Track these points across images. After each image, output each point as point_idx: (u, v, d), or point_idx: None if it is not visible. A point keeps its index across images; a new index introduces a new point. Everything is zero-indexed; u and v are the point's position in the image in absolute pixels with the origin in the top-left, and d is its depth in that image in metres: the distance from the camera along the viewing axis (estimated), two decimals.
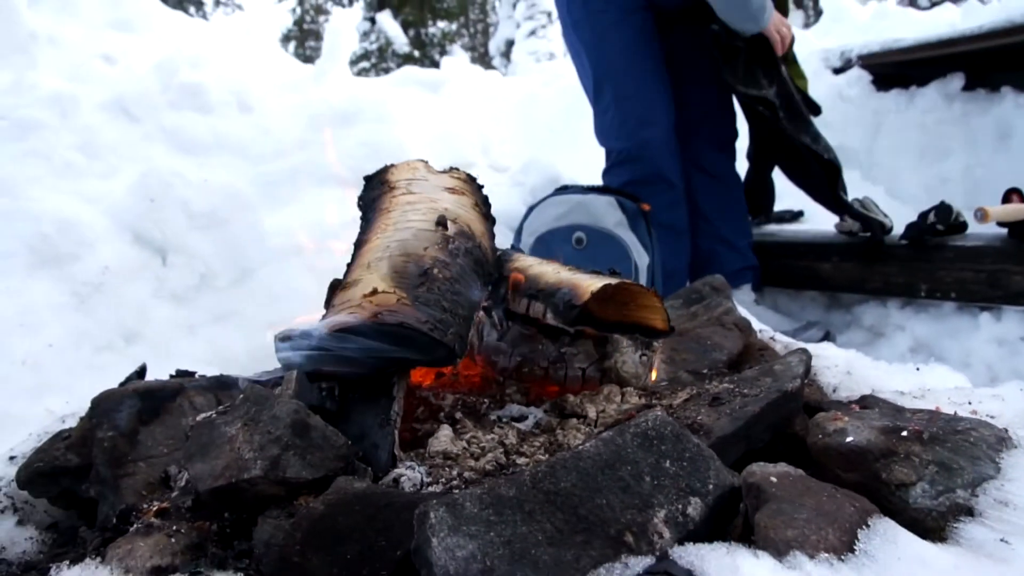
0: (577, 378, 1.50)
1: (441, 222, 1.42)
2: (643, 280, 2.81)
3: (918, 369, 1.95)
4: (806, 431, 1.29)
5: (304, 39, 15.24)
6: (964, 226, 3.06)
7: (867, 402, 1.50)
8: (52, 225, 3.04)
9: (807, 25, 10.22)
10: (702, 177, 3.38)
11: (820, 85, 4.51)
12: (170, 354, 3.14)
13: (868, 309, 3.29)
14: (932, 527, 1.07)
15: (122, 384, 1.65)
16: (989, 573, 0.94)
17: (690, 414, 1.27)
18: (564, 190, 3.06)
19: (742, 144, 3.61)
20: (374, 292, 1.25)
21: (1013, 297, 2.86)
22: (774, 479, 1.03)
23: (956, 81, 4.45)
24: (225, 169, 4.12)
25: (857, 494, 1.07)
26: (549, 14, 12.08)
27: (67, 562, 1.08)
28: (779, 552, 0.92)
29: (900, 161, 4.56)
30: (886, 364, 1.86)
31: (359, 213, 1.73)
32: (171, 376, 1.82)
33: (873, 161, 4.75)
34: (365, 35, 12.45)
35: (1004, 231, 2.91)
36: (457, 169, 1.84)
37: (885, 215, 3.25)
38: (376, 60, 12.45)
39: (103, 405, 1.45)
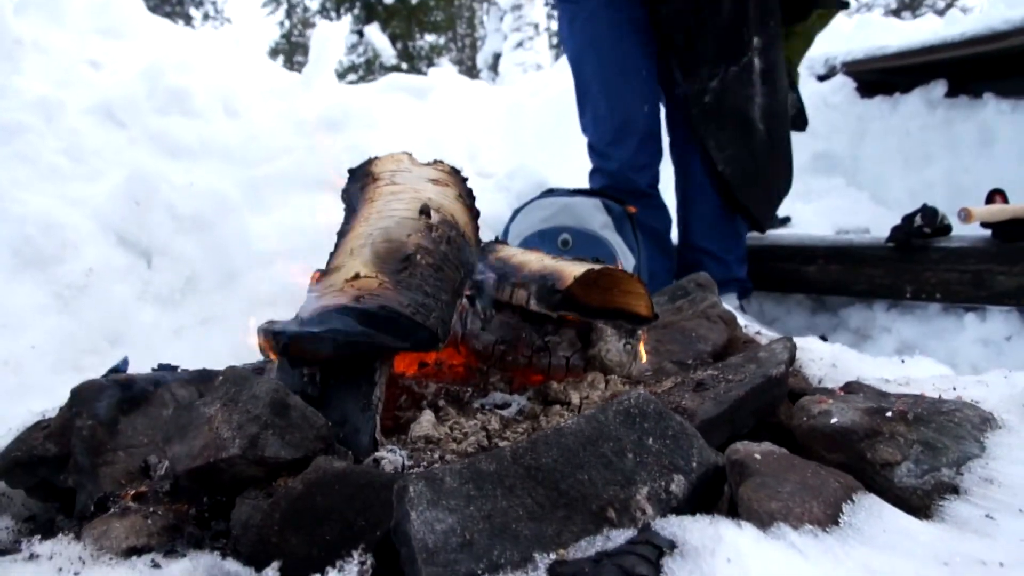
0: (561, 367, 1.48)
1: (424, 211, 1.41)
2: None
3: (903, 361, 1.96)
4: (791, 419, 1.29)
5: (292, 53, 15.25)
6: (949, 228, 3.07)
7: (852, 387, 1.50)
8: (36, 227, 3.02)
9: None
10: (691, 184, 3.29)
11: (805, 92, 4.53)
12: (155, 357, 3.11)
13: (854, 312, 3.30)
14: (918, 505, 1.07)
15: (104, 376, 1.63)
16: (975, 547, 0.93)
17: (674, 399, 1.26)
18: (550, 193, 3.06)
19: None
20: (356, 277, 1.24)
21: (997, 297, 2.87)
22: (758, 456, 1.03)
23: (939, 88, 4.49)
24: (211, 173, 4.10)
25: (842, 472, 1.06)
26: (536, 26, 12.14)
27: (38, 537, 1.06)
28: (763, 523, 0.91)
29: (885, 167, 4.60)
30: (871, 357, 1.86)
31: (345, 217, 1.73)
32: (153, 370, 1.81)
33: (858, 167, 4.78)
34: (353, 48, 12.46)
35: (988, 232, 2.93)
36: (441, 162, 1.84)
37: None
38: (364, 72, 12.46)
39: (83, 394, 1.43)
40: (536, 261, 1.50)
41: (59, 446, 1.41)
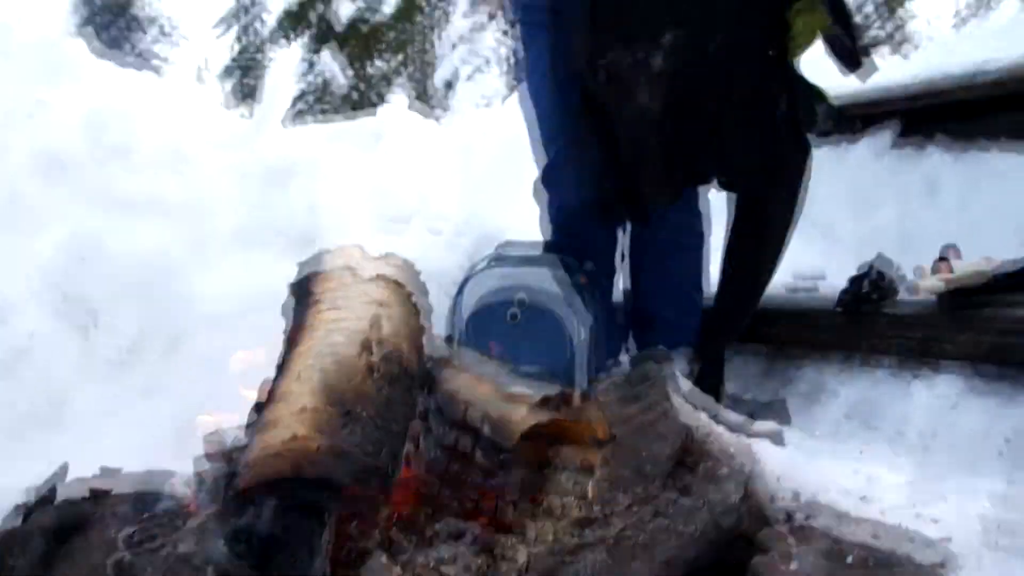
0: (508, 511, 1.46)
1: (367, 346, 1.38)
2: (580, 357, 2.78)
3: (861, 452, 2.01)
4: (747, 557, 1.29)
5: (244, 73, 15.03)
6: (896, 291, 3.10)
7: (812, 509, 1.53)
8: None
9: None
10: (655, 236, 3.17)
11: None
12: (99, 434, 3.02)
13: (803, 375, 3.32)
14: None
15: (29, 509, 1.56)
16: None
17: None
18: (501, 260, 3.01)
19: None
20: (294, 438, 1.19)
21: (943, 364, 2.90)
22: None
23: (886, 136, 4.57)
24: (156, 229, 4.00)
25: None
26: (488, 60, 12.17)
27: None
28: None
29: (835, 214, 4.65)
30: (828, 460, 1.90)
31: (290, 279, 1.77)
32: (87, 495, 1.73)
33: (808, 213, 4.83)
34: (303, 75, 12.37)
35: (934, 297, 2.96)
36: (394, 255, 1.88)
37: None
38: (313, 101, 12.38)
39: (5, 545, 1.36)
40: (483, 400, 1.47)
41: None
